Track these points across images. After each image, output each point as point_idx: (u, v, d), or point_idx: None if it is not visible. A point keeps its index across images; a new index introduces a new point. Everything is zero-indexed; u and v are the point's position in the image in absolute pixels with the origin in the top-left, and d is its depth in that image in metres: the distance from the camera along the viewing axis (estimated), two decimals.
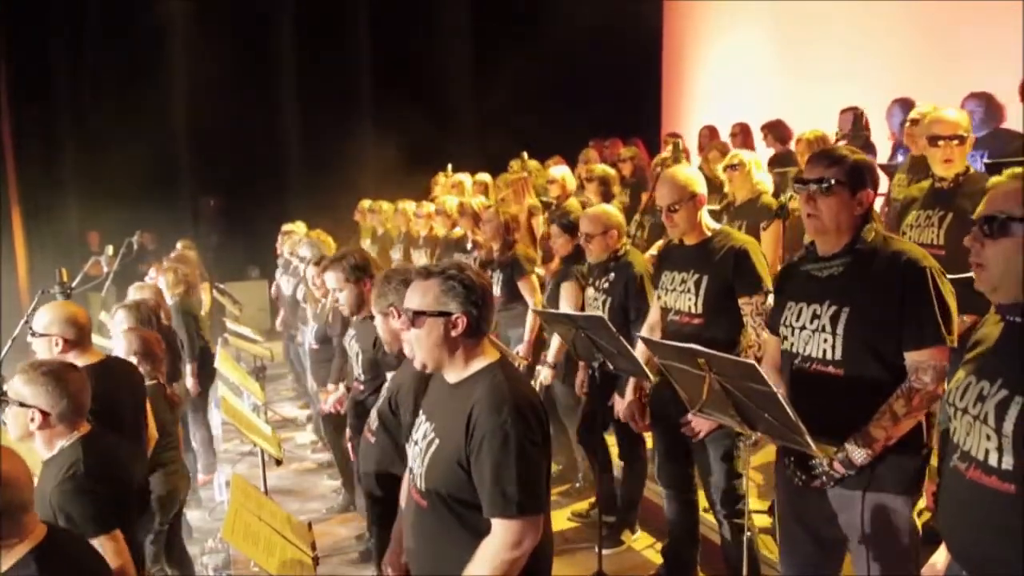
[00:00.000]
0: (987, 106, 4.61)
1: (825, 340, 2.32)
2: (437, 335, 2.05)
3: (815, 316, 2.36)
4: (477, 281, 2.08)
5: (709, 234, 3.24)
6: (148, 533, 3.46)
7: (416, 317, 2.07)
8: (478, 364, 2.10)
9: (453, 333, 2.05)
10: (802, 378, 2.40)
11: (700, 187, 3.22)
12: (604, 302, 3.97)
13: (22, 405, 2.47)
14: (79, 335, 3.19)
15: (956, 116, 3.44)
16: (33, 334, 3.18)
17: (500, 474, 1.93)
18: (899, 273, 2.26)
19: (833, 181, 2.32)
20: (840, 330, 2.29)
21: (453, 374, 2.12)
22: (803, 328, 2.39)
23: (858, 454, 2.25)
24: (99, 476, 2.45)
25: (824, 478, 2.31)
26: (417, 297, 2.09)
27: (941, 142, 3.40)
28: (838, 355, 2.30)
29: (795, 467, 2.41)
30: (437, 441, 2.08)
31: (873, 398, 2.27)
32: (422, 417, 2.22)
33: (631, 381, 3.62)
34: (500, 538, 1.96)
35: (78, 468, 2.43)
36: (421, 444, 2.14)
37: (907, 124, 4.62)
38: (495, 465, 1.94)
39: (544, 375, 4.49)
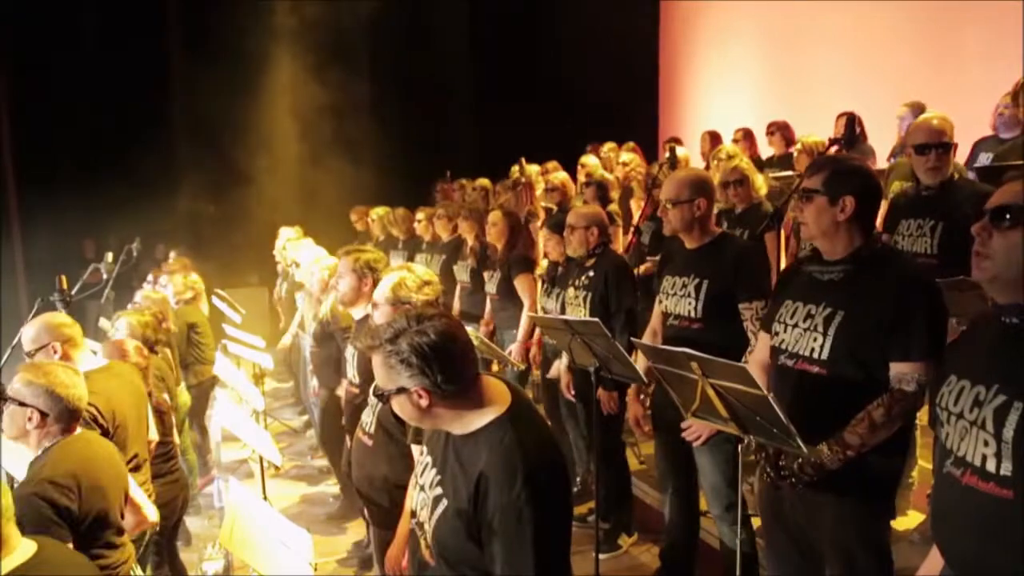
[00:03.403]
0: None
1: (815, 339, 2.34)
2: (409, 409, 1.85)
3: (809, 315, 2.38)
4: (419, 341, 1.78)
5: (710, 239, 3.22)
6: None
7: (382, 396, 1.88)
8: (483, 418, 1.85)
9: (422, 404, 1.82)
10: (786, 375, 2.42)
11: (703, 193, 3.18)
12: (585, 298, 3.98)
13: (21, 404, 2.50)
14: (71, 333, 3.19)
15: (940, 124, 3.45)
16: (30, 355, 3.15)
17: (515, 559, 1.74)
18: (897, 284, 2.27)
19: (810, 189, 2.37)
20: (831, 331, 2.30)
21: (457, 429, 1.89)
22: (795, 326, 2.41)
23: (830, 458, 2.26)
24: (74, 472, 2.45)
25: (793, 479, 2.32)
26: (375, 373, 1.89)
27: (927, 150, 3.40)
28: (824, 355, 2.31)
29: (765, 463, 2.42)
30: (445, 501, 1.88)
31: (852, 402, 2.28)
32: (428, 459, 2.01)
33: (633, 386, 3.62)
34: None
35: (52, 464, 2.46)
36: (428, 494, 1.94)
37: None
38: (509, 548, 1.74)
39: (554, 368, 4.44)
